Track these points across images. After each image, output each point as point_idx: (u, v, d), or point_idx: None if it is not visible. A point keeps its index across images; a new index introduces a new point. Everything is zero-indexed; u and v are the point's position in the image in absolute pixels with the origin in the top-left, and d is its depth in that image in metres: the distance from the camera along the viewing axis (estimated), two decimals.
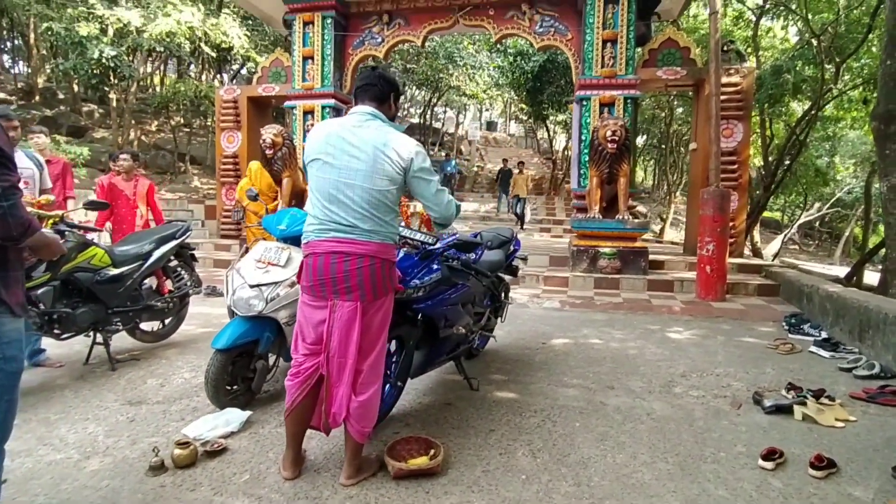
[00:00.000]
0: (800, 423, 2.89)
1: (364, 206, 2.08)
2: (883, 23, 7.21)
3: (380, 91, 2.23)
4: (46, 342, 3.65)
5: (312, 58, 8.78)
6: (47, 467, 2.31)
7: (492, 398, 3.17)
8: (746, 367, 3.88)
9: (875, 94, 6.92)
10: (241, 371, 2.94)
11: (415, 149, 2.15)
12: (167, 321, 4.25)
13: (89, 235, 3.64)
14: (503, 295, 4.00)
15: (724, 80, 7.37)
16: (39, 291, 3.11)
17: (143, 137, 17.01)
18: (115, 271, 3.51)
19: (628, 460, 2.46)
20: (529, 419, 2.89)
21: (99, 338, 3.58)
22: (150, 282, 4.08)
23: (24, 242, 1.70)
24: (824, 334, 4.68)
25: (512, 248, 3.94)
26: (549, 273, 7.31)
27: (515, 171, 15.00)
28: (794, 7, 11.95)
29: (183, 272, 4.35)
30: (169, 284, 4.23)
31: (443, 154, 24.73)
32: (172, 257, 4.19)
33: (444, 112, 28.88)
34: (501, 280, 3.98)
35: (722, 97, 6.88)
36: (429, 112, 24.42)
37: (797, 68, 11.26)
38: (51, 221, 3.30)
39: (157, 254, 3.88)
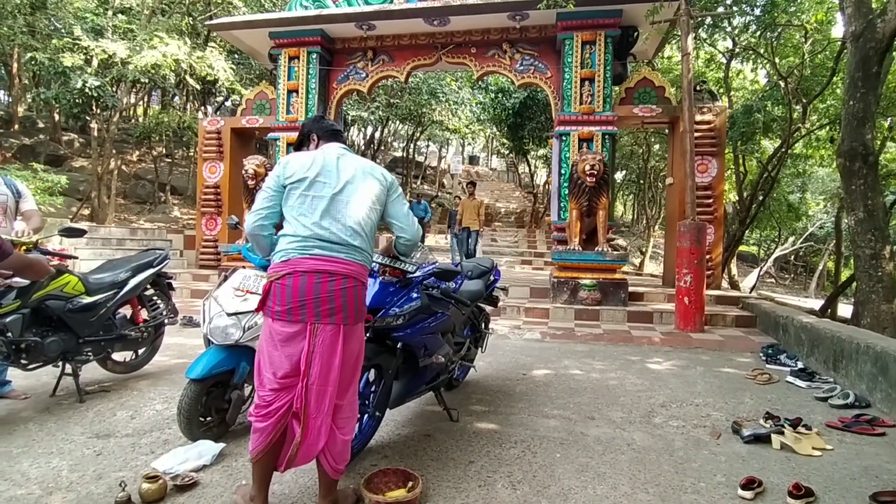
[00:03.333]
0: (778, 452, 2.90)
1: (357, 224, 2.13)
2: (845, 66, 7.59)
3: (343, 135, 2.43)
4: (12, 373, 3.52)
5: (297, 91, 8.89)
6: (7, 503, 2.20)
7: (472, 429, 3.13)
8: (725, 396, 3.90)
9: (840, 133, 7.23)
10: (216, 402, 2.87)
11: (391, 175, 2.33)
12: (140, 351, 4.14)
13: (67, 263, 3.57)
14: (483, 325, 4.00)
15: (698, 117, 7.65)
16: (8, 319, 3.02)
17: (123, 167, 16.90)
18: (88, 300, 3.43)
19: (609, 491, 2.43)
20: (509, 450, 2.85)
21: (68, 368, 3.47)
22: (125, 310, 3.99)
23: None
24: (800, 364, 4.74)
25: (492, 278, 3.96)
26: (530, 304, 7.33)
27: (463, 196, 11.87)
28: (762, 51, 12.52)
29: (159, 301, 4.27)
30: (144, 313, 4.14)
31: (424, 187, 24.96)
32: (149, 286, 4.12)
33: (427, 146, 29.27)
34: (482, 310, 3.99)
35: (696, 134, 7.12)
36: (412, 146, 24.74)
37: (767, 108, 11.73)
38: (24, 248, 3.23)
39: (133, 282, 3.81)
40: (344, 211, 2.12)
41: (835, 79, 11.42)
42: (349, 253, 2.10)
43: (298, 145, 2.41)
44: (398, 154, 27.85)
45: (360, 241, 2.14)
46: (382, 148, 24.49)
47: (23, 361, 3.17)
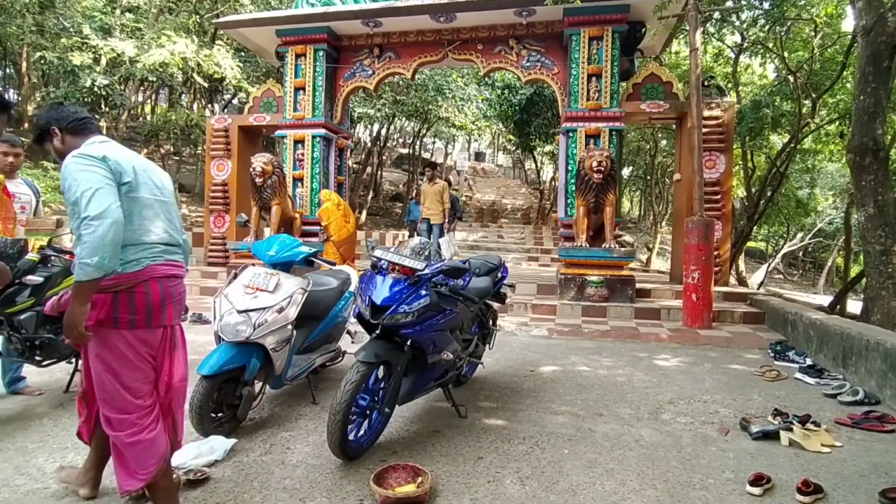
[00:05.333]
0: (786, 449, 2.90)
1: (180, 226, 2.20)
2: (856, 60, 7.52)
3: (96, 123, 2.26)
4: (27, 369, 3.58)
5: (304, 89, 8.91)
6: (24, 497, 2.25)
7: (480, 425, 3.15)
8: (733, 393, 3.90)
9: (850, 128, 7.17)
10: (227, 398, 2.90)
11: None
12: None
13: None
14: (491, 322, 4.02)
15: (706, 113, 7.60)
16: (23, 317, 3.07)
17: None
18: None
19: (617, 487, 2.44)
20: (518, 446, 2.87)
21: (81, 364, 3.51)
22: None
23: None
24: (809, 361, 4.73)
25: (500, 275, 3.97)
26: (537, 301, 7.33)
27: (424, 181, 9.87)
28: (770, 46, 12.41)
29: None
30: None
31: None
32: None
33: (434, 143, 29.26)
34: (489, 307, 4.01)
35: (704, 130, 7.08)
36: (418, 143, 24.74)
37: (776, 103, 11.65)
38: (38, 246, 3.28)
39: None
40: (174, 214, 2.17)
41: (845, 73, 11.31)
42: (182, 254, 2.18)
43: (37, 140, 2.12)
44: (404, 151, 27.86)
45: (181, 239, 2.20)
46: (388, 145, 24.51)
47: (37, 358, 3.21)
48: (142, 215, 1.98)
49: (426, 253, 2.88)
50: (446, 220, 9.25)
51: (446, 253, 8.59)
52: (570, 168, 7.82)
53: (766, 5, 11.37)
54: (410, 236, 10.54)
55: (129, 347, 1.95)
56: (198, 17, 13.52)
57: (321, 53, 8.84)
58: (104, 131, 13.63)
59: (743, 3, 10.87)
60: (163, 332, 2.05)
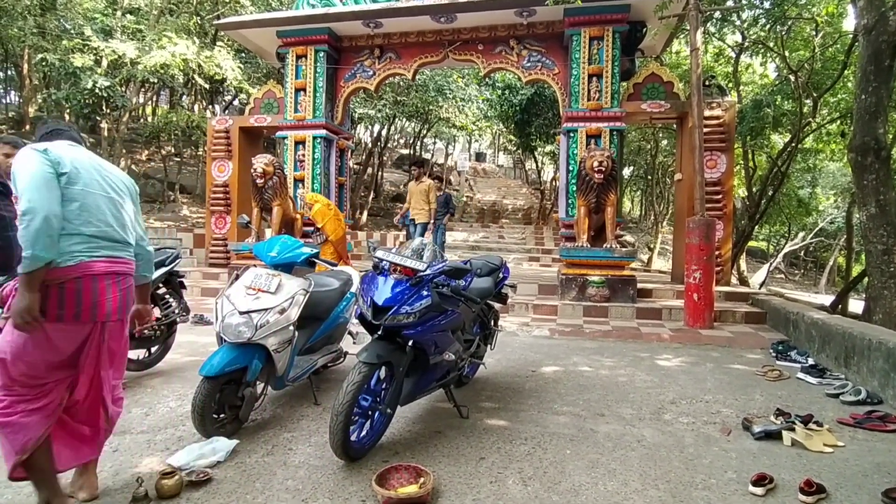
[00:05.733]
0: (789, 449, 2.89)
1: (130, 223, 2.25)
2: (857, 59, 7.51)
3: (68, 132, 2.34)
4: None
5: (305, 89, 8.92)
6: (27, 499, 2.25)
7: (482, 426, 3.15)
8: (735, 393, 3.89)
9: (851, 127, 7.16)
10: (229, 399, 2.90)
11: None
12: (153, 349, 4.19)
13: None
14: (493, 322, 4.02)
15: (707, 113, 7.59)
16: None
17: (133, 166, 17.04)
18: None
19: (619, 487, 2.44)
20: (520, 447, 2.87)
21: None
22: None
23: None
24: (811, 361, 4.72)
25: (501, 275, 3.97)
26: (539, 301, 7.33)
27: (412, 181, 9.41)
28: (771, 45, 12.39)
29: (171, 300, 4.32)
30: (156, 312, 4.19)
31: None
32: (161, 284, 4.17)
33: (434, 143, 29.25)
34: (491, 307, 4.01)
35: (705, 129, 7.08)
36: (418, 143, 24.72)
37: (776, 103, 11.64)
38: None
39: None
40: (124, 210, 2.21)
41: (846, 72, 11.29)
42: (130, 252, 2.23)
43: None
44: (405, 151, 27.85)
45: (132, 240, 2.27)
46: (389, 145, 24.51)
47: None
48: (82, 207, 2.05)
49: (428, 254, 2.89)
50: (431, 220, 8.98)
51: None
52: (570, 168, 7.82)
53: (766, 4, 11.36)
54: (408, 237, 10.29)
55: (47, 338, 2.00)
56: (198, 18, 13.54)
57: (322, 54, 8.85)
58: (105, 133, 13.69)
59: (744, 2, 10.86)
60: (93, 327, 2.09)
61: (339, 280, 3.86)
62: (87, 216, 2.06)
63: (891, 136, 10.28)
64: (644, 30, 8.10)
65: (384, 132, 20.64)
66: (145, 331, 3.93)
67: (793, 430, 3.00)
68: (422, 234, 8.83)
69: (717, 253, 7.15)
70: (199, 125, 14.03)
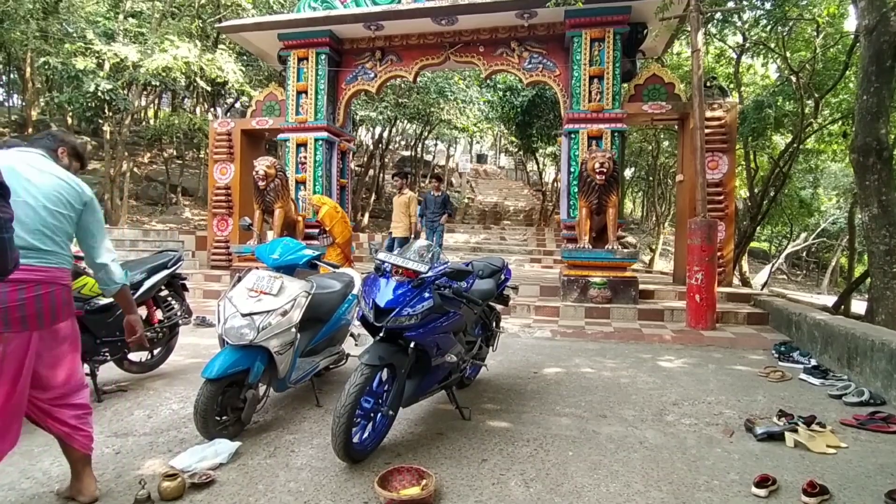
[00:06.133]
0: (792, 450, 2.89)
1: (46, 228, 2.09)
2: (858, 60, 7.51)
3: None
4: None
5: (306, 92, 8.94)
6: (30, 501, 2.25)
7: (484, 427, 3.15)
8: (738, 394, 3.89)
9: (853, 128, 7.15)
10: (231, 401, 2.91)
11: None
12: (156, 351, 4.20)
13: (81, 264, 3.62)
14: (494, 324, 4.02)
15: (708, 114, 7.59)
16: None
17: (135, 169, 17.08)
18: (105, 301, 3.49)
19: (622, 489, 2.44)
20: (522, 448, 2.87)
21: (85, 368, 3.52)
22: (140, 311, 4.04)
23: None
24: (813, 362, 4.71)
25: (503, 277, 3.98)
26: (540, 303, 7.32)
27: (396, 193, 9.19)
28: (772, 46, 12.39)
29: (173, 302, 4.33)
30: (159, 314, 4.20)
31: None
32: (163, 287, 4.18)
33: (435, 145, 29.27)
34: (493, 309, 4.01)
35: (706, 130, 7.08)
36: (420, 145, 24.75)
37: (778, 103, 11.61)
38: None
39: (148, 283, 3.87)
40: (36, 216, 2.07)
41: (847, 73, 11.27)
42: (42, 258, 2.08)
43: None
44: (406, 153, 27.88)
45: (52, 245, 2.11)
46: (391, 147, 24.53)
47: None
48: None
49: (429, 255, 2.89)
50: (412, 235, 8.59)
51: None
52: (572, 170, 7.82)
53: (767, 5, 11.34)
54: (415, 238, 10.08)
55: None
56: (200, 21, 13.59)
57: (323, 57, 8.87)
58: (107, 136, 13.73)
59: (745, 3, 10.86)
60: None
61: (341, 282, 3.86)
62: None
63: (893, 137, 10.26)
64: (645, 31, 8.10)
65: (385, 134, 20.67)
66: (147, 335, 3.93)
67: (795, 431, 3.00)
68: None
69: (718, 254, 7.14)
70: (200, 128, 14.06)
